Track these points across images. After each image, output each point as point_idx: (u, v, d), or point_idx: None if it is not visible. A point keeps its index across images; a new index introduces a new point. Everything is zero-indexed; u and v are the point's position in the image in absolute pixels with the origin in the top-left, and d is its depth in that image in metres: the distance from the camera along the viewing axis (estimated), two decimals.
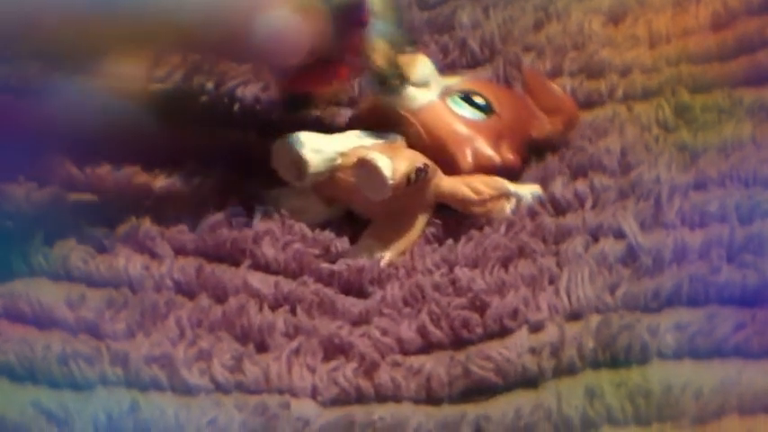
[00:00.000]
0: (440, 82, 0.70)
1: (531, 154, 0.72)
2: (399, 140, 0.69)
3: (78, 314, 0.62)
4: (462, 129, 0.69)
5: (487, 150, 0.69)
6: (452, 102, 0.70)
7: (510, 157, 0.69)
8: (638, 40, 0.79)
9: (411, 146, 0.68)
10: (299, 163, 0.66)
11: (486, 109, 0.70)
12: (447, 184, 0.67)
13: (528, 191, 0.69)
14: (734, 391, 0.53)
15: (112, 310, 0.62)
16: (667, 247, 0.61)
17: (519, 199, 0.68)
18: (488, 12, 0.84)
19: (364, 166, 0.65)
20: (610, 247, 0.63)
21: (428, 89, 0.70)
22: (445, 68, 0.78)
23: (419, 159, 0.66)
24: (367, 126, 0.69)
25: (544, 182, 0.69)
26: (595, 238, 0.64)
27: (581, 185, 0.68)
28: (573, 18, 0.82)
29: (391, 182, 0.64)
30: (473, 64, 0.82)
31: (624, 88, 0.76)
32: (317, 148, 0.66)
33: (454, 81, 0.72)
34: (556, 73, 0.79)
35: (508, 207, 0.68)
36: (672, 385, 0.54)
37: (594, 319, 0.58)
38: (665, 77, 0.75)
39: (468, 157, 0.68)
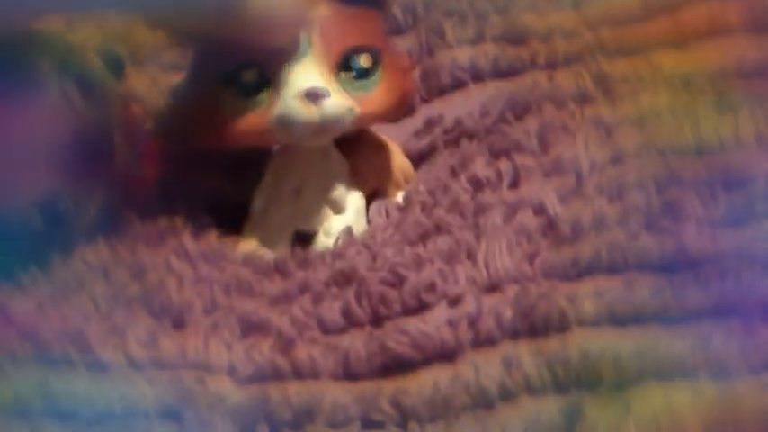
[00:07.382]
0: None
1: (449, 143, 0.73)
2: None
3: None
4: None
5: None
6: None
7: None
8: (561, 2, 0.78)
9: None
10: None
11: None
12: None
13: None
14: (652, 357, 0.53)
15: (21, 289, 0.61)
16: (586, 216, 0.61)
17: None
18: None
19: None
20: (529, 219, 0.62)
21: None
22: None
23: None
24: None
25: (463, 165, 0.69)
26: (514, 212, 0.63)
27: (503, 165, 0.67)
28: None
29: None
30: (396, 32, 0.81)
31: (546, 55, 0.75)
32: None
33: None
34: (478, 39, 0.78)
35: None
36: (590, 352, 0.54)
37: (513, 290, 0.58)
38: (586, 42, 0.74)
39: None
